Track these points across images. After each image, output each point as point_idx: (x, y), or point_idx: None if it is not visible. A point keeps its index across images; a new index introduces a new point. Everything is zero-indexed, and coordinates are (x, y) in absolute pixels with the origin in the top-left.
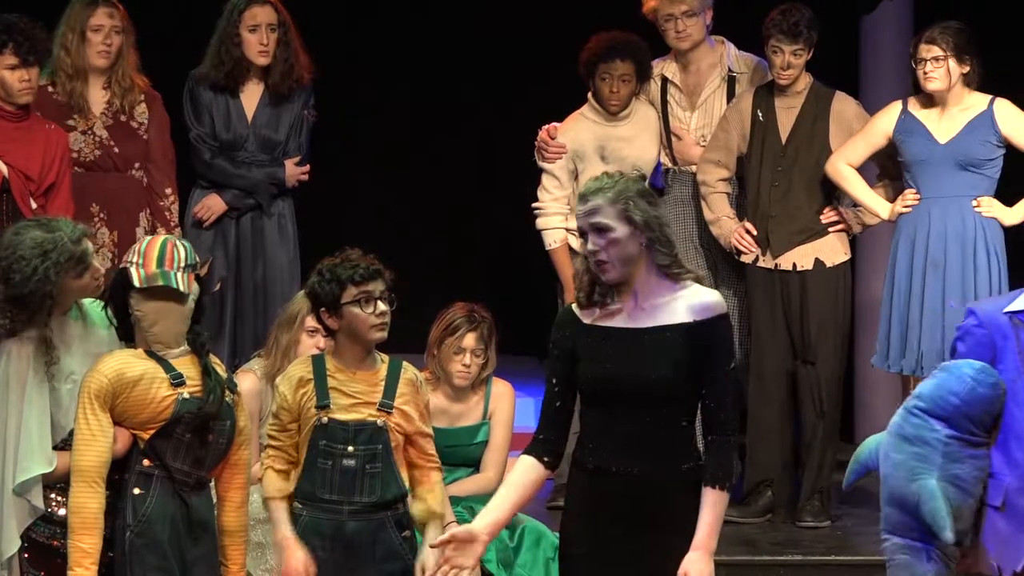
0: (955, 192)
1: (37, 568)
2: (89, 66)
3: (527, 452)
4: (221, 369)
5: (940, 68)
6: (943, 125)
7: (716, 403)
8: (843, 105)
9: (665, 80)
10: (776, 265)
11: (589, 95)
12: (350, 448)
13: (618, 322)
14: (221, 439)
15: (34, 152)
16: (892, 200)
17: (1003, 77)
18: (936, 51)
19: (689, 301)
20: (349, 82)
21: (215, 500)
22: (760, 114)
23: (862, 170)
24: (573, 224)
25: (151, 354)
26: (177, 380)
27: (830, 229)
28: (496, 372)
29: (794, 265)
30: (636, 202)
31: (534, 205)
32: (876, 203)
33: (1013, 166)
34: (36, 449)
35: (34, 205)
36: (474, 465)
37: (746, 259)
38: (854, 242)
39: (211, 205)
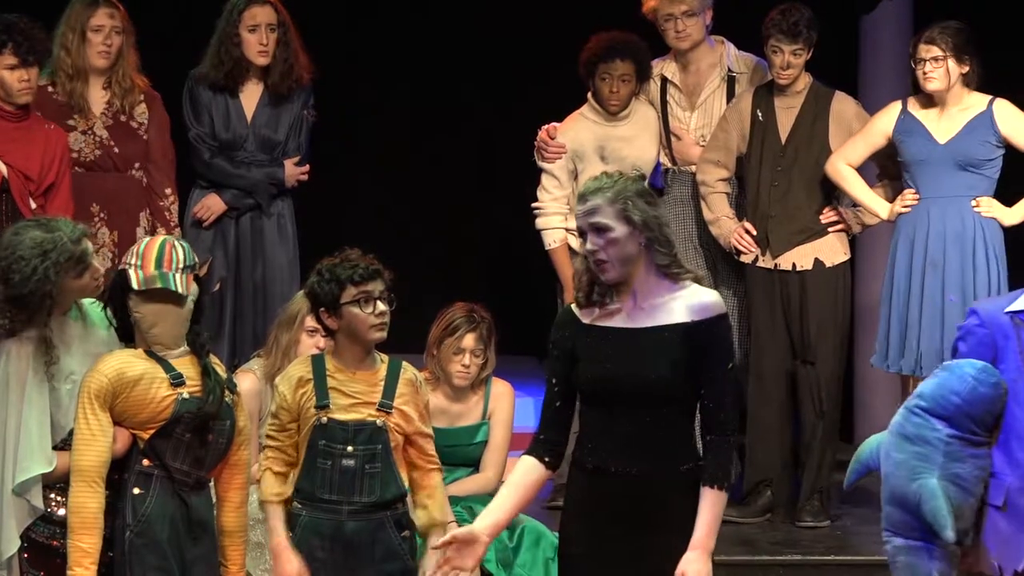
0: (954, 192)
1: (37, 568)
2: (89, 66)
3: (528, 453)
4: (221, 369)
5: (939, 68)
6: (942, 125)
7: (715, 403)
8: (843, 105)
9: (665, 80)
10: (776, 265)
11: (589, 95)
12: (349, 448)
13: (617, 322)
14: (221, 439)
15: (33, 152)
16: (892, 200)
17: (1003, 77)
18: (935, 51)
19: (688, 301)
20: (349, 82)
21: (215, 500)
22: (760, 114)
23: (862, 170)
24: (573, 224)
25: (151, 354)
26: (177, 380)
27: (830, 229)
28: (496, 372)
29: (794, 265)
30: (635, 202)
31: (534, 205)
32: (875, 203)
33: (1013, 166)
34: (36, 449)
35: (33, 205)
36: (474, 465)
37: (746, 259)
38: (854, 242)
39: (210, 205)
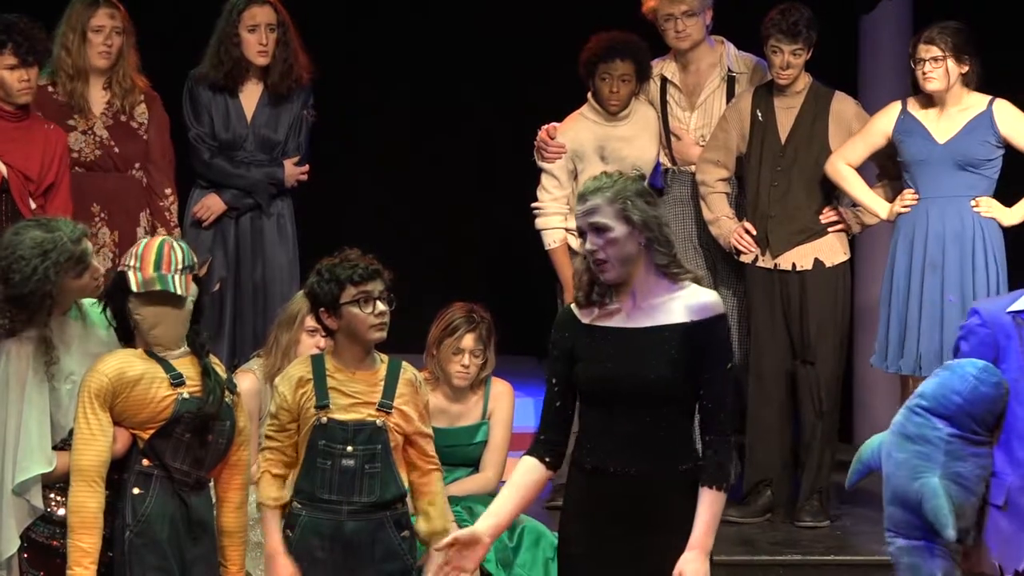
0: (954, 192)
1: (36, 568)
2: (90, 66)
3: (529, 453)
4: (221, 370)
5: (939, 68)
6: (942, 125)
7: (714, 403)
8: (842, 105)
9: (664, 80)
10: (775, 265)
11: (589, 95)
12: (349, 448)
13: (616, 322)
14: (221, 439)
15: (33, 152)
16: (891, 200)
17: (1003, 77)
18: (935, 51)
19: (687, 301)
20: (349, 82)
21: (214, 500)
22: (759, 114)
23: (862, 170)
24: (572, 224)
25: (151, 354)
26: (177, 380)
27: (829, 229)
28: (495, 372)
29: (793, 265)
30: (634, 202)
31: (533, 205)
32: (875, 203)
33: (1012, 167)
34: (35, 449)
35: (33, 205)
36: (473, 465)
37: (745, 259)
38: (853, 242)
39: (210, 205)
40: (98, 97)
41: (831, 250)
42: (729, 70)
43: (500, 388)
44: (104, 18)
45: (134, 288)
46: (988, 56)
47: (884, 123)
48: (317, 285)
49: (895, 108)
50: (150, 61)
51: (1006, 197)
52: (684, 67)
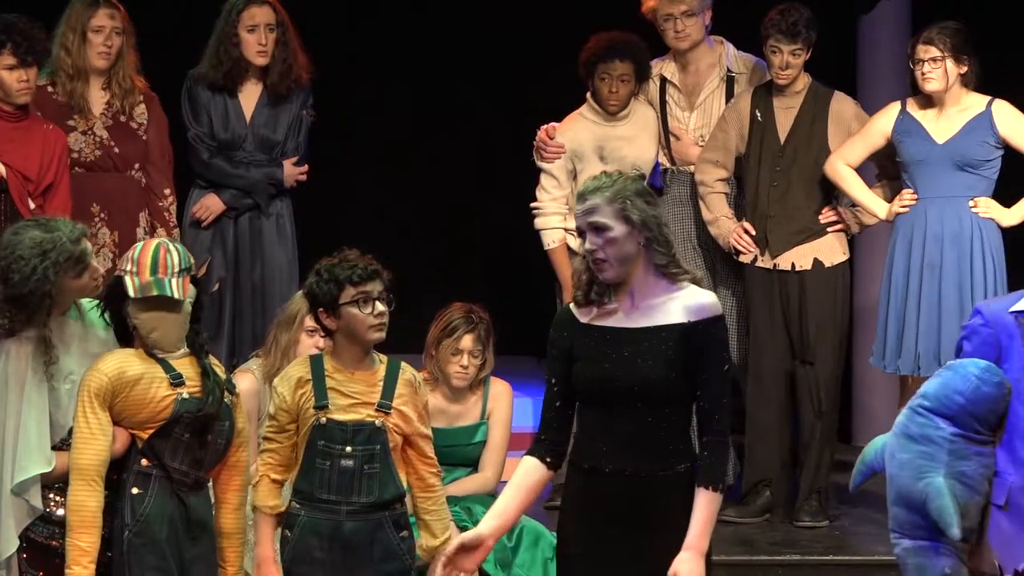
0: (952, 192)
1: (36, 568)
2: (89, 67)
3: (529, 453)
4: (220, 370)
5: (938, 68)
6: (941, 125)
7: (711, 404)
8: (842, 105)
9: (664, 80)
10: (775, 265)
11: (588, 95)
12: (348, 448)
13: (614, 322)
14: (220, 440)
15: (32, 152)
16: (890, 200)
17: (1003, 77)
18: (934, 51)
19: (685, 302)
20: (349, 82)
21: (213, 501)
22: (759, 114)
23: (861, 170)
24: (572, 224)
25: (151, 354)
26: (176, 380)
27: (829, 229)
28: (495, 372)
29: (793, 265)
30: (634, 201)
31: (532, 205)
32: (874, 203)
33: (1011, 167)
34: (35, 449)
35: (32, 205)
36: (472, 465)
37: (744, 259)
38: (853, 242)
39: (209, 205)
40: (98, 97)
41: (830, 250)
42: (728, 70)
43: (499, 388)
44: (104, 18)
45: (131, 293)
46: (987, 56)
47: (883, 123)
48: (316, 285)
49: (894, 108)
50: (150, 61)
51: (1005, 198)
52: (683, 67)
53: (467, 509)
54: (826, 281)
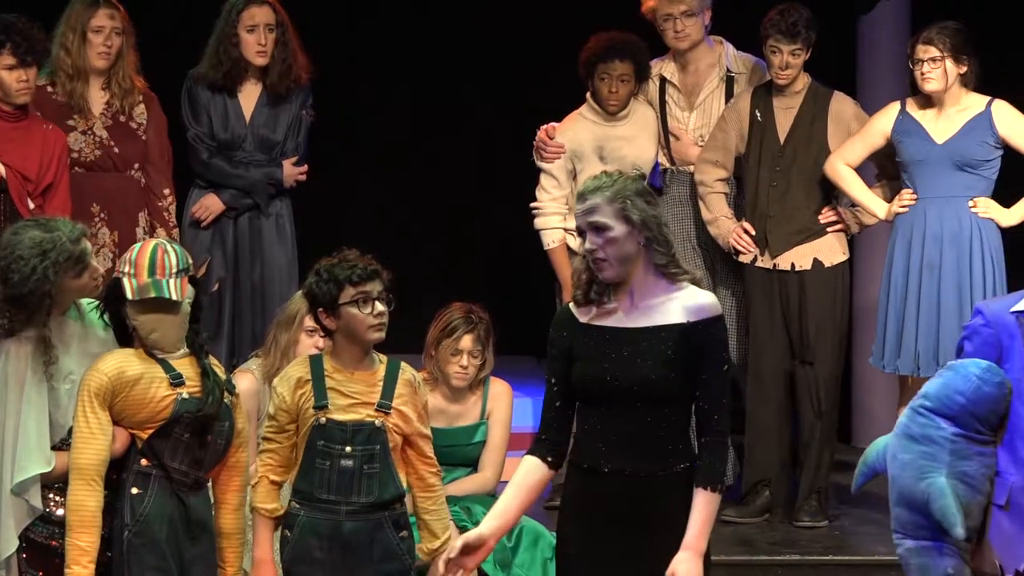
0: (951, 192)
1: (35, 568)
2: (89, 67)
3: (530, 453)
4: (220, 371)
5: (937, 69)
6: (940, 125)
7: (710, 405)
8: (841, 105)
9: (663, 80)
10: (774, 265)
11: (588, 95)
12: (348, 448)
13: (613, 321)
14: (219, 440)
15: (32, 152)
16: (890, 200)
17: (1002, 77)
18: (933, 51)
19: (684, 302)
20: (349, 82)
21: (212, 501)
22: (758, 114)
23: (860, 170)
24: (571, 224)
25: (150, 354)
26: (176, 380)
27: (828, 229)
28: (494, 372)
29: (792, 265)
30: (634, 201)
31: (532, 205)
32: (873, 203)
33: (1011, 167)
34: (34, 449)
35: (32, 205)
36: (472, 465)
37: (744, 259)
38: (852, 242)
39: (209, 205)
40: (97, 97)
41: (830, 250)
42: (728, 70)
43: (499, 388)
44: (104, 19)
45: (129, 295)
46: (987, 56)
47: (883, 123)
48: (316, 285)
49: (894, 108)
50: (150, 61)
51: (1005, 198)
52: (683, 67)
53: (467, 509)
54: (826, 281)
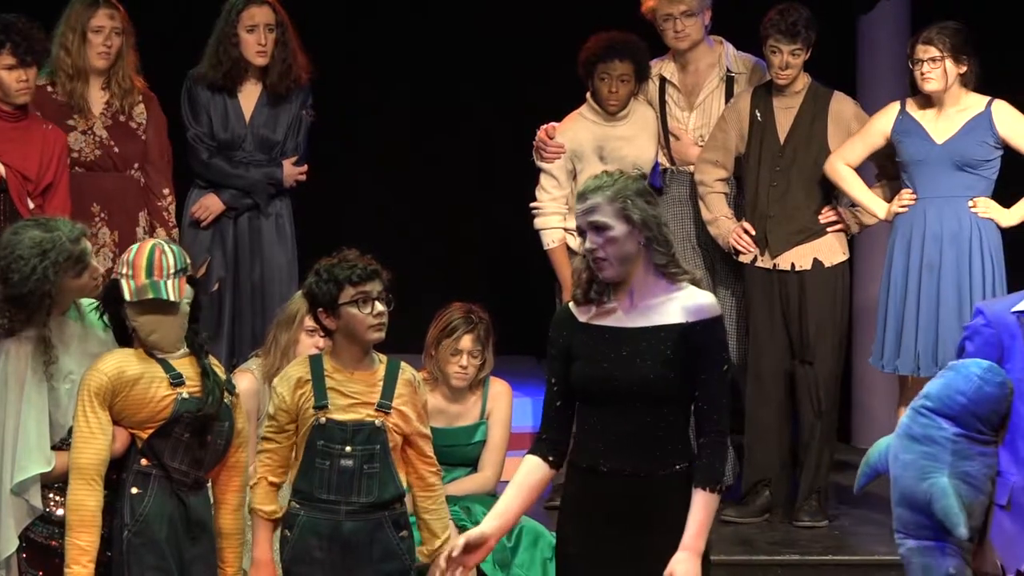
0: (951, 192)
1: (35, 568)
2: (89, 67)
3: (531, 452)
4: (220, 371)
5: (937, 69)
6: (940, 125)
7: (709, 405)
8: (841, 105)
9: (663, 80)
10: (774, 265)
11: (587, 95)
12: (348, 448)
13: (613, 321)
14: (219, 440)
15: (31, 152)
16: (890, 200)
17: (1002, 77)
18: (933, 51)
19: (684, 303)
20: (349, 82)
21: (212, 501)
22: (758, 114)
23: (860, 170)
24: (571, 224)
25: (150, 354)
26: (176, 380)
27: (828, 229)
28: (494, 371)
29: (792, 265)
30: (635, 201)
31: (532, 205)
32: (873, 203)
33: (1011, 167)
34: (34, 449)
35: (31, 205)
36: (472, 465)
37: (744, 259)
38: (852, 242)
39: (209, 205)
40: (97, 97)
41: (830, 250)
42: (728, 70)
43: (498, 388)
44: (104, 19)
45: (127, 297)
46: (987, 56)
47: (883, 123)
48: (315, 285)
49: (894, 108)
50: (150, 61)
51: (1005, 198)
52: (683, 67)
53: (466, 509)
54: (826, 281)
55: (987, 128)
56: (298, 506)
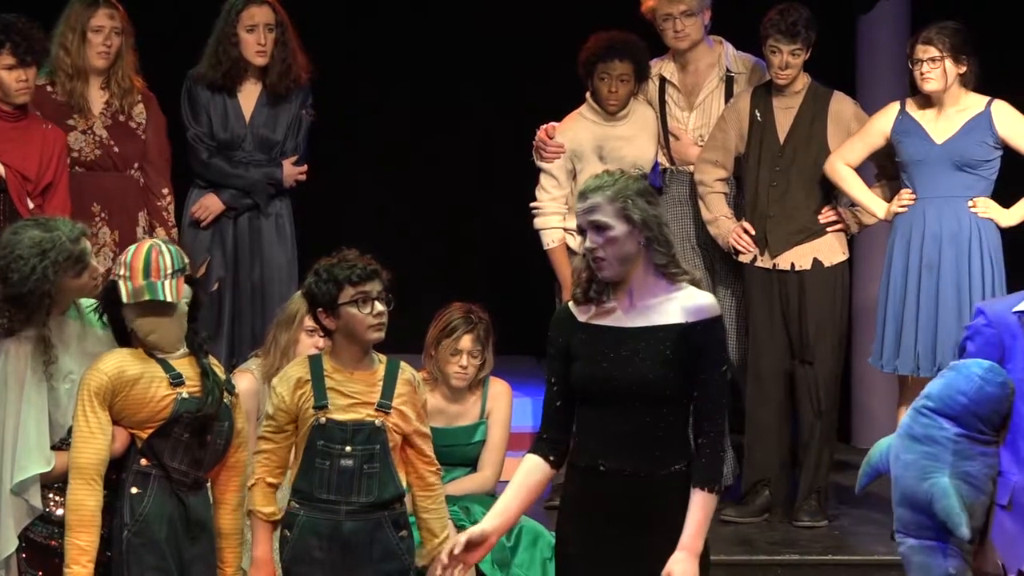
0: (951, 192)
1: (35, 568)
2: (89, 66)
3: (532, 452)
4: (220, 371)
5: (936, 68)
6: (940, 125)
7: (707, 405)
8: (841, 105)
9: (663, 80)
10: (774, 265)
11: (587, 95)
12: (348, 448)
13: (612, 321)
14: (219, 440)
15: (31, 152)
16: (890, 200)
17: (1002, 77)
18: (933, 51)
19: (683, 303)
20: (349, 82)
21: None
22: (758, 114)
23: (860, 170)
24: (571, 224)
25: (150, 354)
26: (176, 380)
27: (828, 229)
28: (494, 371)
29: (792, 265)
30: (635, 200)
31: (532, 205)
32: (873, 203)
33: (1011, 167)
34: (34, 449)
35: (31, 205)
36: (471, 464)
37: (744, 259)
38: (852, 242)
39: (208, 205)
40: (97, 97)
41: (830, 250)
42: (728, 70)
43: (498, 388)
44: (103, 18)
45: (125, 299)
46: (987, 56)
47: (882, 123)
48: (315, 285)
49: (893, 108)
50: (150, 61)
51: (1005, 198)
52: (683, 67)
53: (465, 509)
54: (825, 281)
55: (987, 128)
56: (298, 506)
